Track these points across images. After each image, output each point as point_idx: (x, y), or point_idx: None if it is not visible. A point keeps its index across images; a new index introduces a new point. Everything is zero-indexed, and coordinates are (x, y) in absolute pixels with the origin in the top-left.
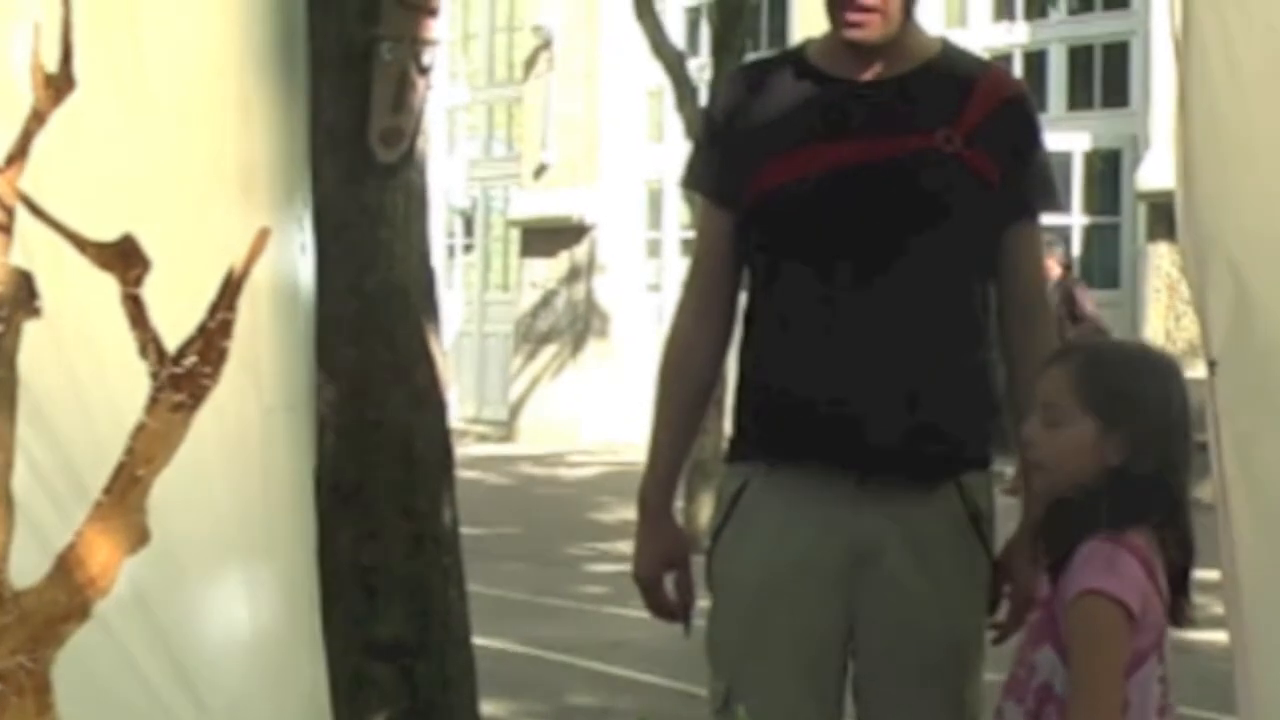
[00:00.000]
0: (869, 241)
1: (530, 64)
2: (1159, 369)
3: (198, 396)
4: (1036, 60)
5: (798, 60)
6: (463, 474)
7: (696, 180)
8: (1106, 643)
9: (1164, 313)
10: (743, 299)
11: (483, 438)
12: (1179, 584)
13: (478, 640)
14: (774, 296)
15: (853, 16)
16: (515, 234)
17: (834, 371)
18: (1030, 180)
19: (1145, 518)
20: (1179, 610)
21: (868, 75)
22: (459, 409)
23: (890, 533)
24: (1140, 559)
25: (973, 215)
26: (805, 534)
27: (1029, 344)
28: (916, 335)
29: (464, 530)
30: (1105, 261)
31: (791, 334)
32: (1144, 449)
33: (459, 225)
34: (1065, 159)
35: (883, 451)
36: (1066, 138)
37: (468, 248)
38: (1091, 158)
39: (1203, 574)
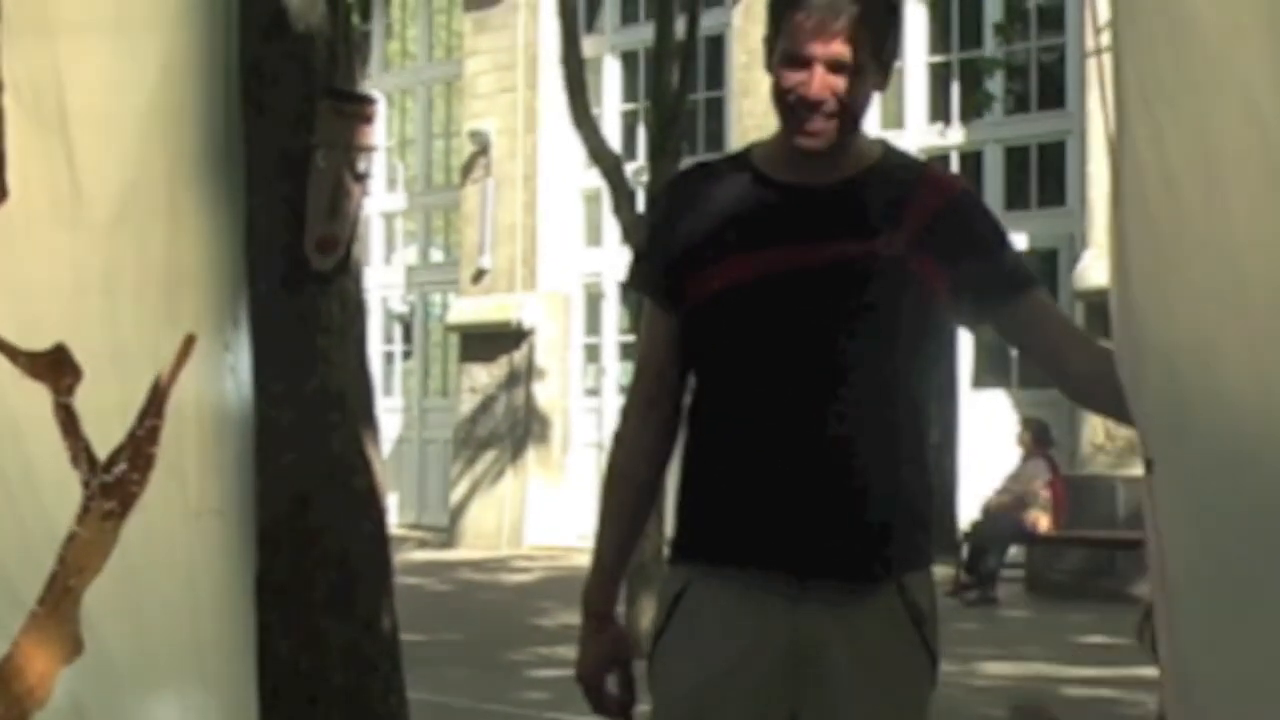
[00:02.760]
0: (806, 347)
1: (467, 169)
2: None
3: (126, 504)
4: (973, 161)
5: (742, 164)
6: (403, 580)
7: (641, 283)
8: None
9: None
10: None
11: (423, 543)
12: None
13: None
14: (713, 399)
15: (813, 127)
16: (454, 339)
17: (773, 475)
18: (1007, 263)
19: None
20: None
21: (813, 181)
22: (399, 515)
23: (831, 633)
24: None
25: (913, 320)
26: (746, 634)
27: (1092, 356)
28: (854, 439)
29: (405, 636)
30: None
31: (731, 438)
32: None
33: (398, 331)
34: None
35: (822, 554)
36: None
37: (407, 354)
38: (1029, 257)
39: (1141, 671)
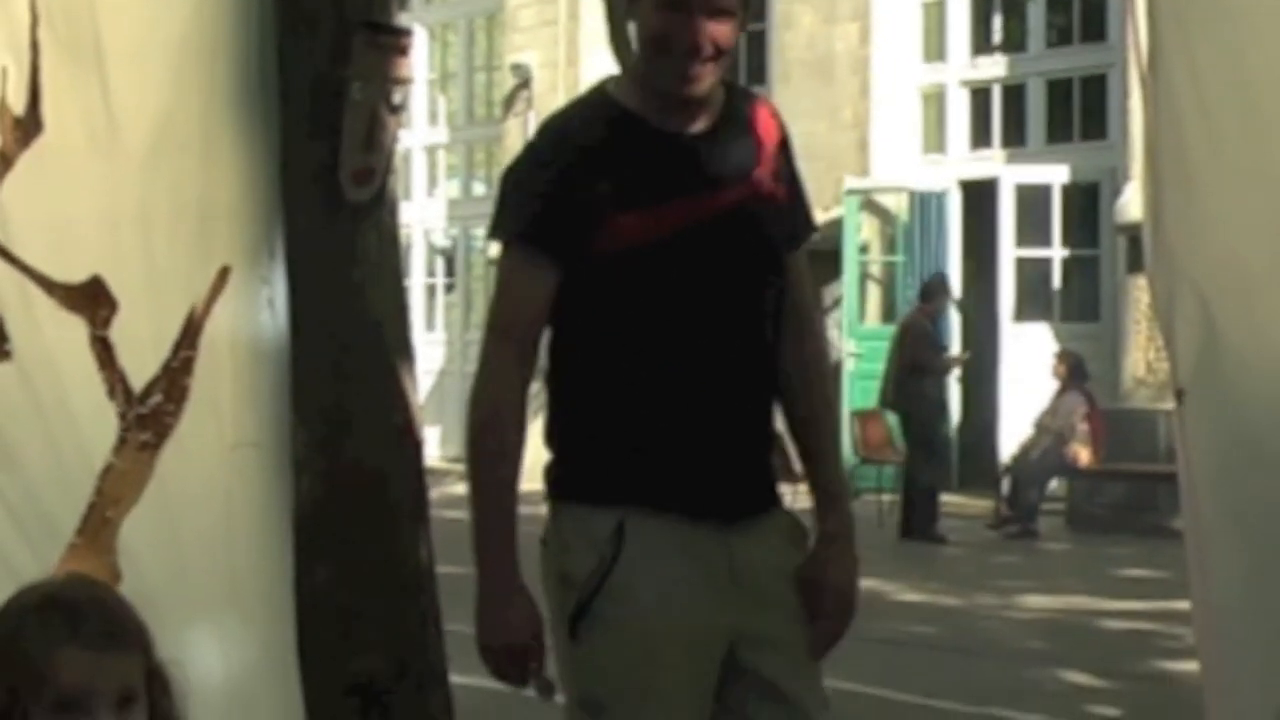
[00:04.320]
0: (719, 295)
1: (509, 103)
2: None
3: (162, 435)
4: (1015, 93)
5: (614, 110)
6: (445, 513)
7: (524, 231)
8: None
9: (1144, 344)
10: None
11: (464, 477)
12: None
13: (457, 678)
14: (627, 349)
15: (695, 72)
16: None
17: (700, 420)
18: (804, 205)
19: None
20: None
21: (694, 127)
22: (440, 448)
23: (760, 560)
24: None
25: (787, 254)
26: (689, 569)
27: (809, 355)
28: (760, 379)
29: (445, 569)
30: (1084, 294)
31: (653, 386)
32: None
33: (440, 265)
34: (1044, 192)
35: (744, 489)
36: (1045, 170)
37: (449, 287)
38: (1070, 191)
39: (1180, 605)
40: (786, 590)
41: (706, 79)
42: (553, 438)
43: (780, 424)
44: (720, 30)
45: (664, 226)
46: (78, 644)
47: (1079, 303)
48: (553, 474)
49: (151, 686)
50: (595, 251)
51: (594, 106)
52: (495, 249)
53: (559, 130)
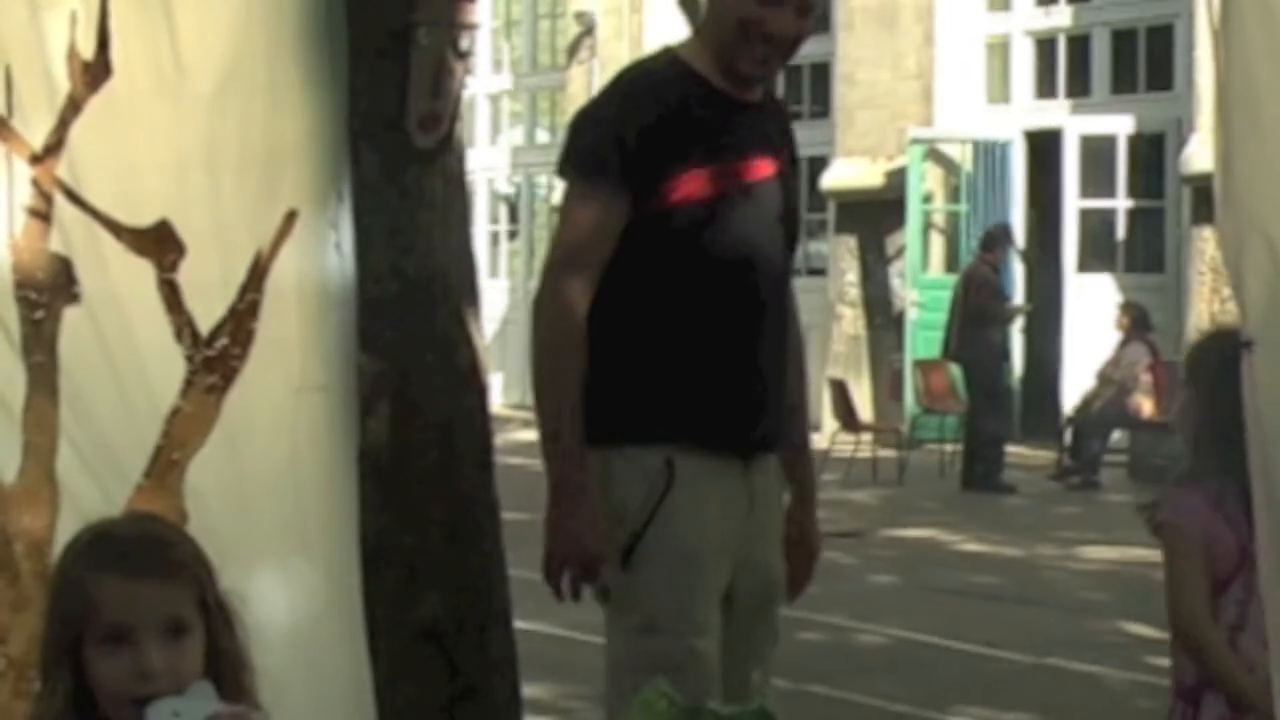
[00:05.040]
0: (765, 251)
1: (573, 51)
2: None
3: (228, 378)
4: (1080, 44)
5: (683, 70)
6: (508, 460)
7: (604, 168)
8: None
9: (1209, 296)
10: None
11: (529, 424)
12: None
13: (520, 624)
14: (687, 297)
15: (766, 59)
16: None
17: (743, 367)
18: (798, 219)
19: None
20: None
21: (749, 97)
22: (504, 395)
23: (764, 494)
24: None
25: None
26: (725, 501)
27: (793, 337)
28: (786, 334)
29: (508, 515)
30: (1150, 245)
31: (718, 332)
32: None
33: (504, 212)
34: (1109, 142)
35: (767, 431)
36: (1110, 121)
37: (512, 234)
38: (1135, 141)
39: None
40: (778, 521)
41: (775, 65)
42: (596, 383)
43: (845, 375)
44: (802, 25)
45: (720, 183)
46: (119, 573)
47: (1143, 254)
48: (595, 419)
49: (208, 619)
50: (657, 199)
51: (665, 64)
52: (558, 195)
53: (633, 80)
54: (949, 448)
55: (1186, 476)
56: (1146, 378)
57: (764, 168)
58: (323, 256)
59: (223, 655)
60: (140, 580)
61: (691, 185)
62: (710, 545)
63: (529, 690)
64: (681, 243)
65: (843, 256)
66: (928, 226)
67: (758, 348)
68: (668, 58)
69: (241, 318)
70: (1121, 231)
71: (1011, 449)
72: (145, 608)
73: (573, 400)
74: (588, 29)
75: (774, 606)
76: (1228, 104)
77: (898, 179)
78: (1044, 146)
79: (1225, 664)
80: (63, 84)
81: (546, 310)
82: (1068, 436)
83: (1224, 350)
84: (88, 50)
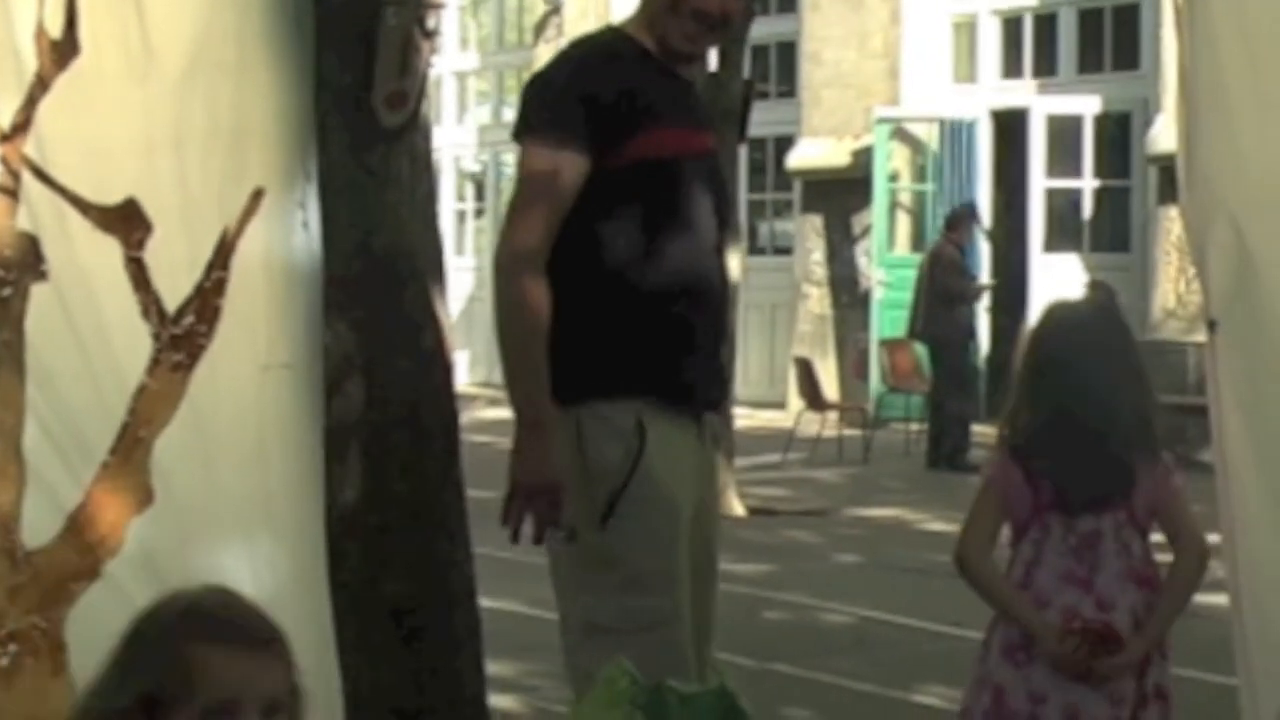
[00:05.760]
0: (710, 218)
1: (540, 29)
2: None
3: (194, 356)
4: (1047, 23)
5: (632, 44)
6: (474, 438)
7: (559, 129)
8: None
9: (1174, 276)
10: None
11: (495, 402)
12: None
13: (486, 602)
14: (648, 257)
15: (703, 37)
16: None
17: (699, 326)
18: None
19: None
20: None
21: (688, 74)
22: (470, 373)
23: (707, 456)
24: None
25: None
26: (689, 454)
27: None
28: (725, 296)
29: (473, 493)
30: (1115, 225)
31: (676, 293)
32: None
33: (470, 191)
34: (1075, 122)
35: (717, 389)
36: (1076, 101)
37: (479, 213)
38: (1102, 121)
39: (1209, 537)
40: (715, 478)
41: (706, 42)
42: (560, 344)
43: (811, 354)
44: (730, 3)
45: (672, 147)
46: (229, 647)
47: (1109, 234)
48: (561, 379)
49: (294, 703)
50: (612, 160)
51: (612, 38)
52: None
53: (583, 50)
54: (914, 427)
55: (1005, 434)
56: None
57: (703, 141)
58: (290, 235)
59: None
60: (252, 656)
61: (644, 149)
62: (684, 497)
63: (494, 668)
64: (639, 202)
65: (809, 236)
66: (894, 206)
67: (708, 310)
68: (614, 33)
69: (208, 296)
70: (1087, 211)
71: (977, 428)
72: (251, 685)
73: (537, 343)
74: (555, 8)
75: (716, 568)
76: (1192, 83)
77: (864, 158)
78: (1010, 126)
79: (999, 594)
80: (31, 62)
81: (508, 246)
82: None
83: (1049, 323)
84: (56, 29)
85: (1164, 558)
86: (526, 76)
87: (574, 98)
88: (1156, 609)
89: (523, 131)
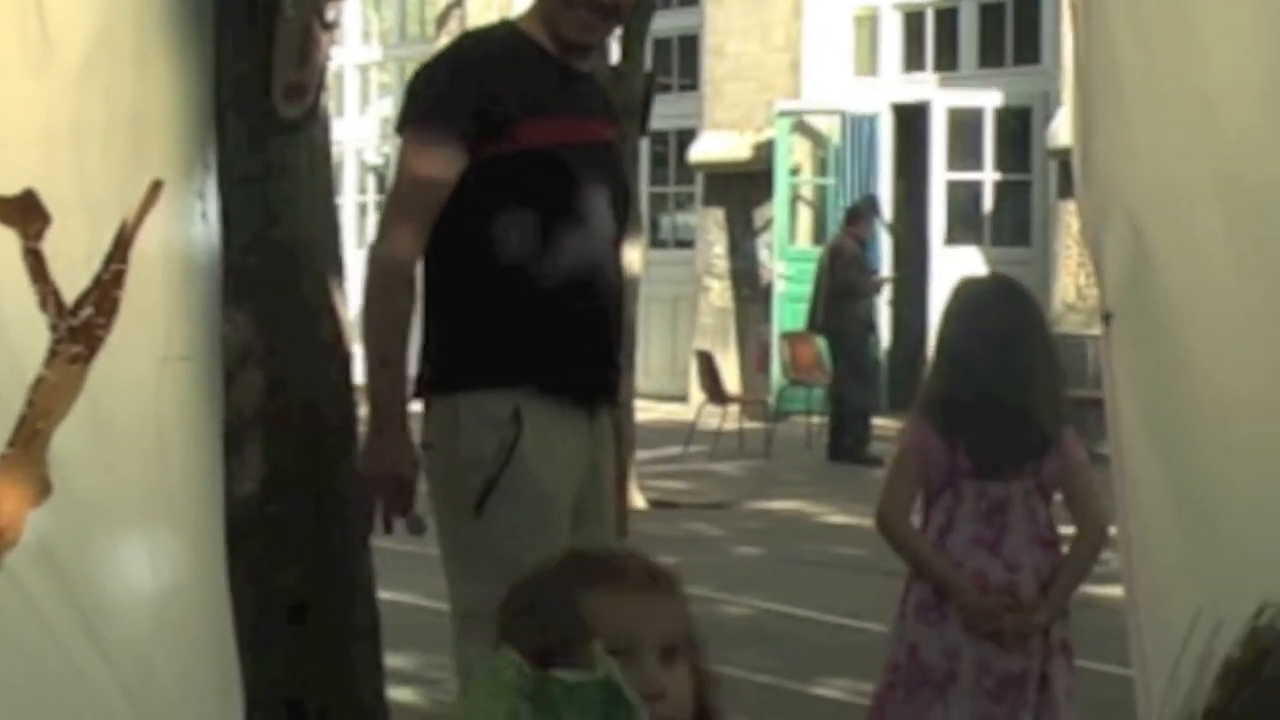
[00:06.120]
0: (602, 208)
1: (442, 22)
2: None
3: (93, 348)
4: (948, 17)
5: (520, 36)
6: None
7: (440, 121)
8: None
9: (1074, 270)
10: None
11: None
12: None
13: (385, 594)
14: (530, 246)
15: (595, 26)
16: None
17: (586, 317)
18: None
19: None
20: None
21: (582, 66)
22: None
23: (601, 439)
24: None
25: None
26: (573, 445)
27: None
28: (617, 289)
29: None
30: (1016, 219)
31: (558, 283)
32: None
33: (372, 183)
34: (976, 116)
35: (608, 380)
36: (977, 95)
37: (381, 205)
38: (1003, 115)
39: (1111, 530)
40: (610, 471)
41: (600, 31)
42: (440, 332)
43: (712, 347)
44: None
45: (556, 138)
46: (618, 592)
47: (1009, 227)
48: (440, 368)
49: (691, 646)
50: (496, 150)
51: (502, 31)
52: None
53: (470, 42)
54: (816, 420)
55: (921, 403)
56: None
57: (596, 131)
58: (189, 226)
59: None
60: (646, 594)
61: (529, 137)
62: (563, 488)
63: (392, 660)
64: (523, 193)
65: (710, 229)
66: (795, 199)
67: (596, 300)
68: (505, 26)
69: (106, 287)
70: (988, 205)
71: (878, 421)
72: (647, 625)
73: (398, 340)
74: (457, 1)
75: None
76: (1088, 76)
77: (766, 151)
78: (911, 119)
79: (919, 551)
80: None
81: (378, 256)
82: None
83: (961, 299)
84: None
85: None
86: None
87: (457, 90)
88: (1060, 574)
89: (405, 124)
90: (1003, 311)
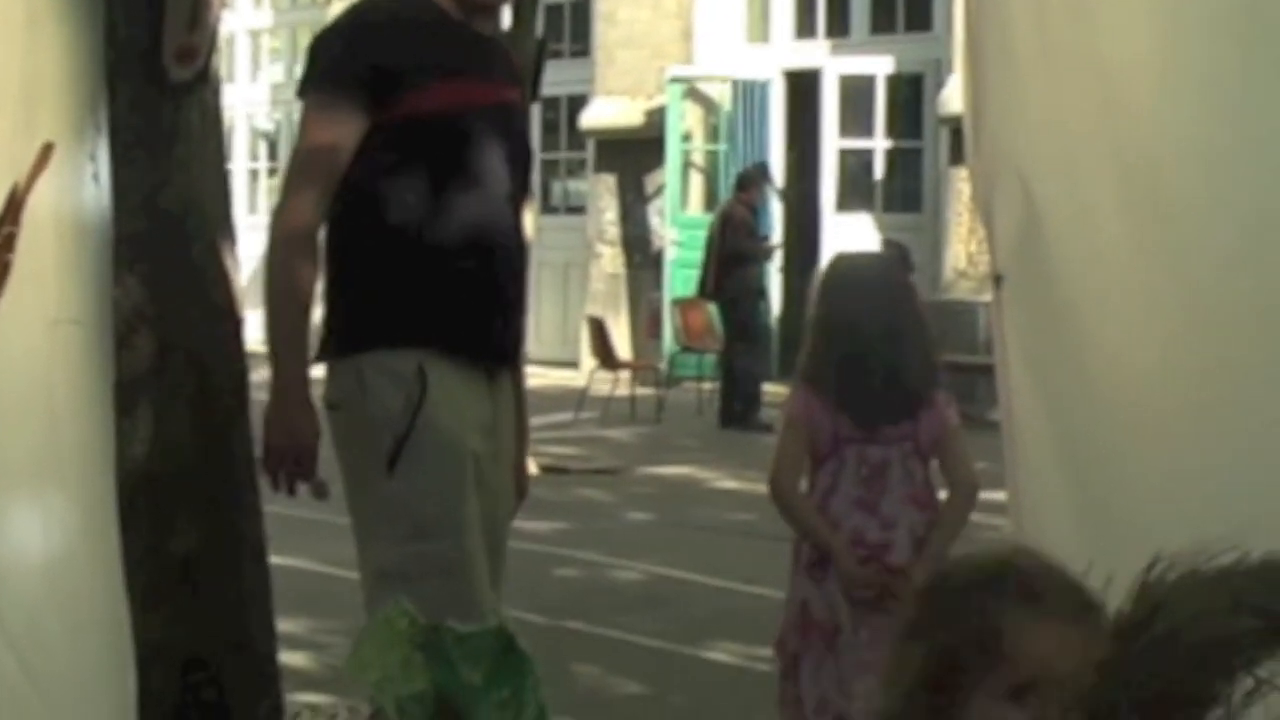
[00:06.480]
0: (505, 171)
1: None
2: None
3: None
4: None
5: (426, 2)
6: (264, 397)
7: (340, 84)
8: None
9: (965, 237)
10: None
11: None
12: None
13: (277, 559)
14: (434, 207)
15: None
16: None
17: (487, 279)
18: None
19: None
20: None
21: (485, 29)
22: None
23: (501, 403)
24: None
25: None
26: (475, 403)
27: None
28: (521, 252)
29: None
30: (907, 186)
31: (459, 244)
32: None
33: (264, 149)
34: (868, 83)
35: (508, 343)
36: (869, 61)
37: (272, 171)
38: (895, 82)
39: (999, 496)
40: (509, 436)
41: None
42: (343, 295)
43: (604, 313)
44: None
45: (456, 101)
46: (1046, 617)
47: (901, 194)
48: (344, 329)
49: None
50: (398, 114)
51: None
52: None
53: (372, 5)
54: (707, 386)
55: (803, 374)
56: None
57: (499, 93)
58: (80, 189)
59: None
60: (1070, 627)
61: (430, 101)
62: (468, 446)
63: (285, 624)
64: (423, 155)
65: (602, 195)
66: (687, 165)
67: (497, 262)
68: None
69: None
70: (880, 171)
71: (769, 387)
72: (1064, 660)
73: (300, 308)
74: None
75: (506, 526)
76: (979, 37)
77: (657, 118)
78: (803, 86)
79: (807, 520)
80: None
81: (281, 220)
82: None
83: (834, 272)
84: None
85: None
86: None
87: (357, 55)
88: (932, 533)
89: (305, 89)
90: (874, 282)
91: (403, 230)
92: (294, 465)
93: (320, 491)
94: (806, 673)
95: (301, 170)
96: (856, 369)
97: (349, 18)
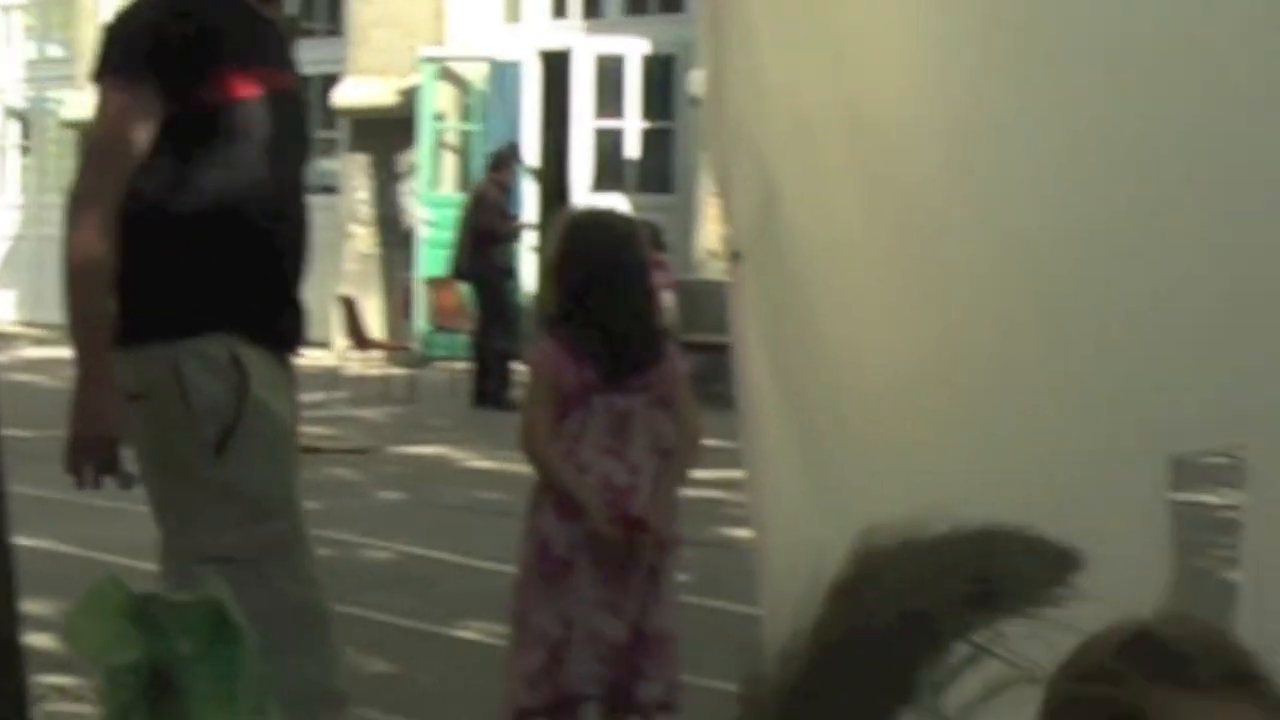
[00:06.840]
0: (295, 159)
1: None
2: None
3: None
4: None
5: None
6: (14, 377)
7: (137, 69)
8: None
9: (716, 217)
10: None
11: (39, 341)
12: None
13: (23, 540)
14: (235, 191)
15: None
16: (70, 136)
17: (284, 264)
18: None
19: None
20: None
21: (268, 12)
22: (17, 312)
23: (291, 388)
24: None
25: None
26: (284, 388)
27: None
28: (307, 240)
29: (10, 432)
30: (660, 166)
31: (260, 233)
32: None
33: (15, 128)
34: (620, 63)
35: (299, 334)
36: (622, 42)
37: (25, 150)
38: (649, 63)
39: (735, 474)
40: (296, 417)
41: None
42: (143, 281)
43: (357, 293)
44: None
45: (254, 84)
46: (1197, 690)
47: (654, 174)
48: (147, 316)
49: None
50: (196, 99)
51: None
52: (71, 110)
53: None
54: (460, 366)
55: (549, 325)
56: (668, 295)
57: (285, 80)
58: None
59: None
60: (1220, 699)
61: (225, 87)
62: (289, 427)
63: (32, 606)
64: (219, 142)
65: (355, 174)
66: (440, 145)
67: (289, 249)
68: None
69: None
70: (633, 152)
71: (520, 366)
72: None
73: (99, 292)
74: None
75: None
76: (720, 17)
77: (411, 98)
78: (558, 66)
79: (556, 470)
80: None
81: (79, 203)
82: None
83: (565, 228)
84: None
85: None
86: (72, 13)
87: (152, 38)
88: (662, 478)
89: (101, 73)
90: (601, 236)
91: (202, 216)
92: (101, 456)
93: (126, 482)
94: (535, 605)
95: (100, 153)
96: (590, 319)
97: (143, 4)
